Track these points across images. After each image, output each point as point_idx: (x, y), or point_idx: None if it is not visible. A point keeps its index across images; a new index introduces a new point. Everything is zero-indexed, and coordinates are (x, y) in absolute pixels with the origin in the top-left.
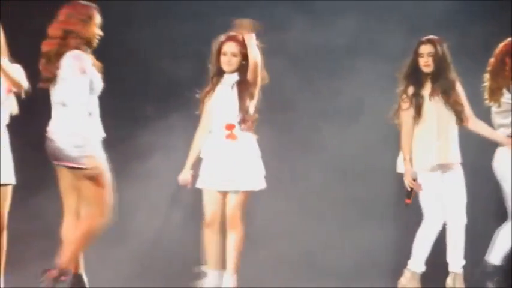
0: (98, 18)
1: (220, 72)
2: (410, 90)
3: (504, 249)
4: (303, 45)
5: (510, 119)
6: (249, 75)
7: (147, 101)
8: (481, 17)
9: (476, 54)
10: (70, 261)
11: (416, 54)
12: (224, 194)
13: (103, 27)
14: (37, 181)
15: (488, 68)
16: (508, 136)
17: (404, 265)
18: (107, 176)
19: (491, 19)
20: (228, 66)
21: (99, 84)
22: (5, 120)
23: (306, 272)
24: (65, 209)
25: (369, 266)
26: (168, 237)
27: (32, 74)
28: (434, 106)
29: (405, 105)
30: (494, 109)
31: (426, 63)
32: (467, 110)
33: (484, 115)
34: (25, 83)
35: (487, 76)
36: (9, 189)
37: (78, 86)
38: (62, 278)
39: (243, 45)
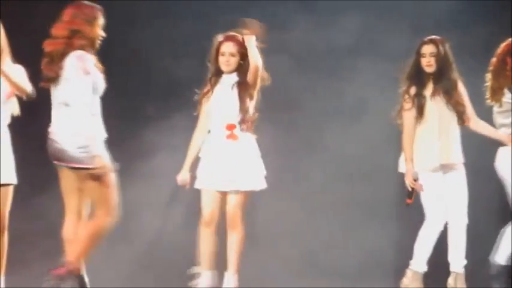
0: (101, 19)
1: (218, 73)
2: (413, 90)
3: (510, 248)
4: (305, 45)
5: (511, 118)
6: (249, 77)
7: (149, 100)
8: (483, 16)
9: (478, 54)
10: (77, 261)
11: (419, 55)
12: (224, 194)
13: (105, 28)
14: (39, 181)
15: (490, 68)
16: (509, 136)
17: (407, 265)
18: (112, 175)
19: (493, 19)
20: (226, 66)
21: (102, 85)
22: (7, 120)
23: (308, 272)
24: (67, 209)
25: (372, 266)
26: (171, 237)
27: (32, 74)
28: (436, 106)
29: (407, 105)
30: (495, 109)
31: (428, 64)
32: (469, 110)
33: (486, 115)
34: (29, 88)
35: (488, 76)
36: (10, 189)
37: (81, 86)
38: (69, 277)
39: (241, 45)
